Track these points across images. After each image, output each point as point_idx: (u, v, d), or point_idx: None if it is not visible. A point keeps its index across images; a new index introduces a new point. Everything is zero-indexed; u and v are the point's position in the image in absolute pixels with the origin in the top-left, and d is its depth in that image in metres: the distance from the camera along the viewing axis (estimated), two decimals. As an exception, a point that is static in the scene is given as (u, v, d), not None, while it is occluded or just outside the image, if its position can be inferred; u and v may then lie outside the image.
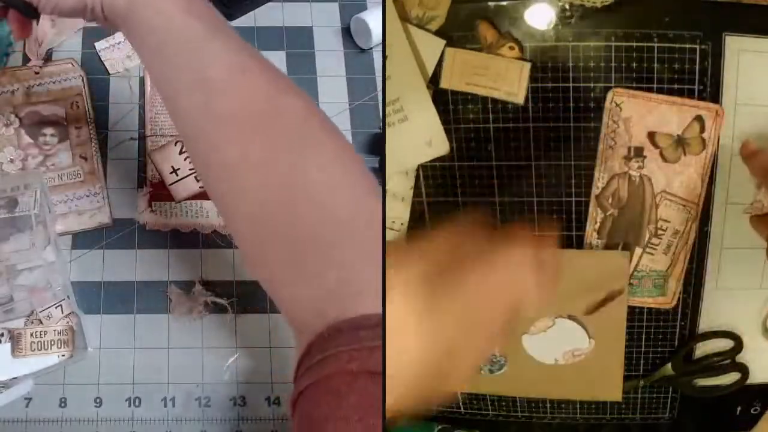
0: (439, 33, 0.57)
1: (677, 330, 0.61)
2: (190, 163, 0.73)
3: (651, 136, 0.57)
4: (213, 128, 0.48)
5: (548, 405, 0.63)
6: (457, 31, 0.57)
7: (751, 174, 0.57)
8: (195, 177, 0.72)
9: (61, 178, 0.72)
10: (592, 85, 0.57)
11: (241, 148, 0.47)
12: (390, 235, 0.60)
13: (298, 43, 0.83)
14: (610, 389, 0.61)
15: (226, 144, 0.48)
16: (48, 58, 0.78)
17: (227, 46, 0.50)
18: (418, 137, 0.58)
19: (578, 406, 0.63)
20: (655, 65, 0.56)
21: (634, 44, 0.56)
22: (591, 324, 0.59)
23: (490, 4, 0.57)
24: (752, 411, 0.62)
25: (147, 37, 0.52)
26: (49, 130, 0.74)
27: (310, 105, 0.50)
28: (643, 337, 0.61)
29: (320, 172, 0.47)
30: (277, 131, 0.47)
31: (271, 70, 0.51)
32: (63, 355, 0.64)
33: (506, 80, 0.57)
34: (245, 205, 0.48)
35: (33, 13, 0.56)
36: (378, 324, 0.40)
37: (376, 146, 0.78)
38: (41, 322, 0.65)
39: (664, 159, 0.57)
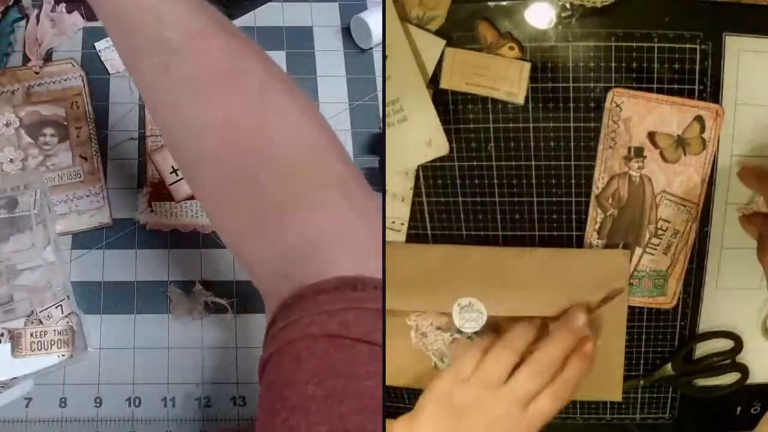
0: (439, 33, 0.57)
1: (677, 330, 0.61)
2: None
3: (651, 136, 0.57)
4: (173, 92, 0.48)
5: (548, 405, 0.63)
6: (457, 31, 0.57)
7: (747, 187, 0.57)
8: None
9: (61, 178, 0.72)
10: (592, 85, 0.57)
11: (201, 111, 0.47)
12: (390, 236, 0.61)
13: (298, 43, 0.83)
14: (610, 389, 0.61)
15: (186, 108, 0.48)
16: (48, 58, 0.78)
17: (185, 7, 0.50)
18: (418, 137, 0.58)
19: (578, 406, 0.63)
20: (655, 65, 0.56)
21: (634, 44, 0.56)
22: (591, 323, 0.59)
23: (490, 4, 0.57)
24: (752, 411, 0.62)
25: (105, 2, 0.51)
26: (49, 130, 0.74)
27: (271, 67, 0.50)
28: (643, 337, 0.61)
29: (281, 134, 0.47)
30: (237, 94, 0.47)
31: (231, 33, 0.50)
32: (63, 355, 0.64)
33: (506, 80, 0.57)
34: (208, 169, 0.48)
35: None
36: (337, 287, 0.40)
37: (376, 146, 0.78)
38: (41, 322, 0.65)
39: (665, 159, 0.57)
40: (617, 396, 0.61)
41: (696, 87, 0.56)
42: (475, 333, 0.59)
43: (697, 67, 0.56)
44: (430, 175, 0.60)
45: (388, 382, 0.62)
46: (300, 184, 0.46)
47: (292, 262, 0.44)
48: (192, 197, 0.72)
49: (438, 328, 0.61)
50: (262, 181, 0.46)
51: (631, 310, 0.60)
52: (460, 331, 0.60)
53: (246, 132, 0.47)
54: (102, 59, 0.79)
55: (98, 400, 0.64)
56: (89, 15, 0.80)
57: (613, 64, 0.56)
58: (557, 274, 0.58)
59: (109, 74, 0.78)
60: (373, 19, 0.81)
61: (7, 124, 0.73)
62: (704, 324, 0.61)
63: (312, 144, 0.48)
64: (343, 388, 0.37)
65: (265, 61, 0.50)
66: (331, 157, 0.48)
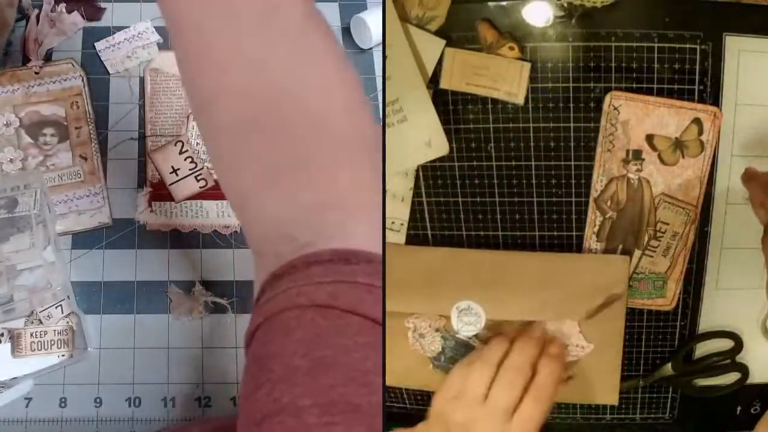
0: (439, 33, 0.57)
1: (677, 330, 0.61)
2: (190, 162, 0.73)
3: (649, 138, 0.57)
4: (205, 17, 0.44)
5: (548, 405, 0.63)
6: (457, 31, 0.57)
7: (751, 195, 0.55)
8: (195, 177, 0.72)
9: (61, 178, 0.72)
10: (592, 85, 0.57)
11: (234, 42, 0.44)
12: (390, 236, 0.60)
13: (298, 42, 0.83)
14: (607, 393, 0.61)
15: (217, 36, 0.44)
16: (48, 58, 0.78)
17: None
18: (418, 137, 0.58)
19: (578, 406, 0.63)
20: (655, 65, 0.56)
21: (634, 44, 0.56)
22: (589, 327, 0.59)
23: (490, 4, 0.57)
24: (752, 411, 0.62)
25: None
26: (49, 130, 0.74)
27: (312, 9, 0.47)
28: (643, 337, 0.61)
29: (314, 81, 0.44)
30: (275, 29, 0.44)
31: None
32: (63, 355, 0.64)
33: (506, 80, 0.57)
34: (226, 108, 0.44)
35: None
36: (331, 260, 0.39)
37: (376, 146, 0.77)
38: (41, 322, 0.65)
39: (663, 162, 0.57)
40: (613, 399, 0.61)
41: (696, 87, 0.56)
42: (475, 336, 0.59)
43: (697, 67, 0.56)
44: (430, 175, 0.60)
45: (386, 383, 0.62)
46: (327, 138, 0.42)
47: (299, 225, 0.41)
48: (192, 197, 0.72)
49: (436, 330, 0.61)
50: (284, 128, 0.42)
51: (631, 311, 0.60)
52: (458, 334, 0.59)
53: (276, 72, 0.43)
54: (102, 59, 0.79)
55: (98, 400, 0.64)
56: (89, 15, 0.81)
57: (612, 64, 0.56)
58: (556, 278, 0.58)
59: (109, 74, 0.78)
60: (373, 19, 0.81)
61: (7, 124, 0.73)
62: (704, 324, 0.61)
63: (346, 98, 0.44)
64: (330, 359, 0.35)
65: (307, 1, 0.47)
66: (363, 117, 0.45)
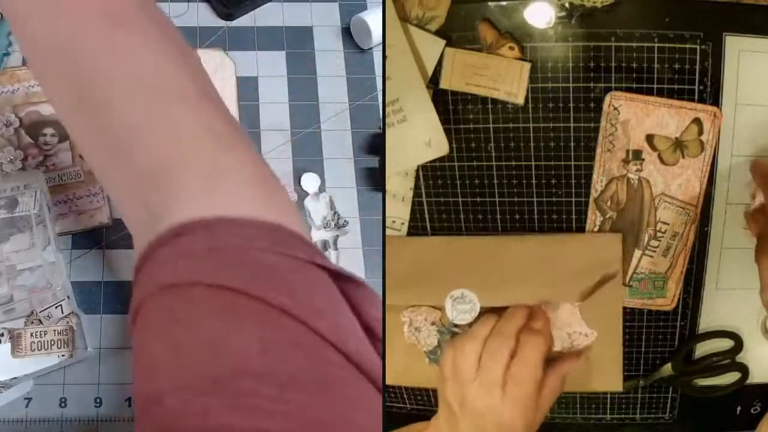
0: (439, 33, 0.57)
1: (677, 330, 0.61)
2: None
3: (649, 138, 0.57)
4: (28, 12, 0.47)
5: (548, 405, 0.63)
6: (457, 31, 0.57)
7: (754, 182, 0.56)
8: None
9: (61, 178, 0.72)
10: (592, 85, 0.57)
11: (49, 35, 0.47)
12: (390, 235, 0.61)
13: (298, 43, 0.83)
14: (611, 380, 0.60)
15: (38, 33, 0.47)
16: (48, 57, 0.78)
17: None
18: (418, 138, 0.58)
19: (578, 405, 0.63)
20: (655, 65, 0.56)
21: (634, 44, 0.56)
22: (588, 312, 0.59)
23: (490, 4, 0.57)
24: (752, 411, 0.62)
25: None
26: (49, 130, 0.74)
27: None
28: (643, 337, 0.61)
29: (129, 58, 0.46)
30: (82, 13, 0.46)
31: None
32: (63, 355, 0.64)
33: (506, 80, 0.57)
34: (63, 94, 0.47)
35: None
36: (168, 237, 0.40)
37: (376, 146, 0.78)
38: (41, 322, 0.65)
39: (663, 162, 0.57)
40: (618, 386, 0.61)
41: (696, 87, 0.56)
42: (468, 325, 0.59)
43: (697, 67, 0.56)
44: (430, 175, 0.60)
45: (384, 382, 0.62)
46: (144, 103, 0.44)
47: (147, 188, 0.43)
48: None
49: (432, 323, 0.61)
50: (110, 103, 0.44)
51: (631, 311, 0.60)
52: (456, 325, 0.59)
53: (91, 54, 0.45)
54: (102, 59, 0.79)
55: (98, 400, 0.64)
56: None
57: (612, 65, 0.56)
58: (550, 260, 0.58)
59: (109, 74, 0.78)
60: (373, 19, 0.81)
61: (7, 124, 0.73)
62: (704, 324, 0.61)
63: (160, 63, 0.46)
64: (181, 336, 0.36)
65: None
66: (179, 72, 0.46)
